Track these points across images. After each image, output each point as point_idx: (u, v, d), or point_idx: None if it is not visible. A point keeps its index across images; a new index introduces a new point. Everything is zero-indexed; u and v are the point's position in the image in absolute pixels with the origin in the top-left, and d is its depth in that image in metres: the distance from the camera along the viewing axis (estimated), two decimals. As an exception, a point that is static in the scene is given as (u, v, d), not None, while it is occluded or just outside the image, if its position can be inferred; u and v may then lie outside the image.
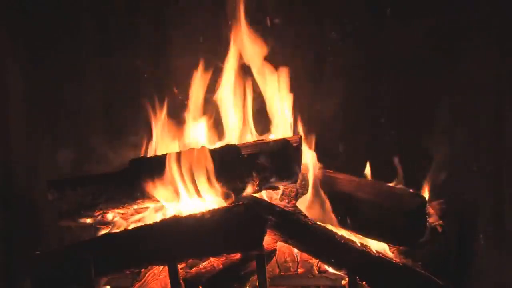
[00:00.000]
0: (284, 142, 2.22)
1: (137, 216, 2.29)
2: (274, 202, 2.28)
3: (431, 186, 2.32)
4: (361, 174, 2.34)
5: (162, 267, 2.12)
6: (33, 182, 2.68)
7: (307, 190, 2.30)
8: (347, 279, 2.08)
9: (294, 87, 2.64)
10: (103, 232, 2.26)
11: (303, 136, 2.34)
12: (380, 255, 2.11)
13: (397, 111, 2.73)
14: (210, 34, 2.70)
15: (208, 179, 2.12)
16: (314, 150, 2.36)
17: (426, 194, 2.31)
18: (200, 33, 2.73)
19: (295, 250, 2.26)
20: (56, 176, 2.31)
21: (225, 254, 2.05)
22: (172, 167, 2.12)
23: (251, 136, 2.50)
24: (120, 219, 2.26)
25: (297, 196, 2.32)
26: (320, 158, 2.34)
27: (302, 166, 2.25)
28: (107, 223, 2.26)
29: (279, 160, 2.18)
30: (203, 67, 2.57)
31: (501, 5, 2.45)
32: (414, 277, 2.05)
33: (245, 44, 2.52)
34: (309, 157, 2.31)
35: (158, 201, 2.18)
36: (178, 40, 2.77)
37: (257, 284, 2.05)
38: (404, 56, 2.69)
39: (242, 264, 2.08)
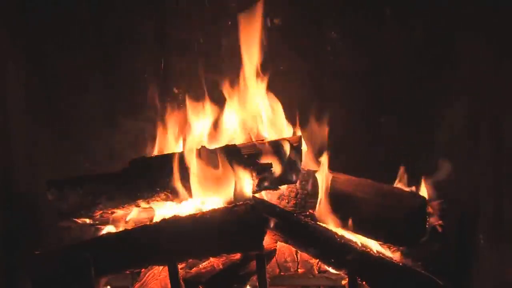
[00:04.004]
0: (284, 143, 2.22)
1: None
2: (274, 202, 2.28)
3: (431, 186, 2.32)
4: (361, 174, 2.34)
5: (162, 267, 2.12)
6: (33, 182, 2.68)
7: (307, 190, 2.30)
8: (347, 279, 2.08)
9: (294, 87, 2.65)
10: (103, 232, 2.26)
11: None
12: (381, 255, 2.11)
13: (397, 111, 2.73)
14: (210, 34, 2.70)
15: (208, 179, 2.12)
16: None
17: (426, 194, 2.31)
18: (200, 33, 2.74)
19: (295, 250, 2.26)
20: (56, 177, 2.31)
21: (225, 254, 2.05)
22: (172, 167, 2.13)
23: (252, 136, 2.50)
24: (120, 219, 2.26)
25: (297, 196, 2.32)
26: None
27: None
28: (107, 223, 2.26)
29: (279, 160, 2.19)
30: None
31: (500, 5, 2.46)
32: (414, 277, 2.05)
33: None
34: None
35: (158, 201, 2.18)
36: (178, 40, 2.77)
37: (257, 284, 2.06)
38: (403, 55, 2.70)
39: (242, 264, 2.08)
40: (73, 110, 2.80)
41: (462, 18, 2.58)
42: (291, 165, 2.22)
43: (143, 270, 2.16)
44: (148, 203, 2.18)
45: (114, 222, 2.25)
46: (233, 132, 2.52)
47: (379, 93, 2.74)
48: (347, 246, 2.09)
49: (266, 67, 2.53)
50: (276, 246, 2.20)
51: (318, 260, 2.19)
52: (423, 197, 2.21)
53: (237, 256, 2.07)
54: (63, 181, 2.17)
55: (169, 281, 2.02)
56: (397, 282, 2.05)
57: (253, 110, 2.53)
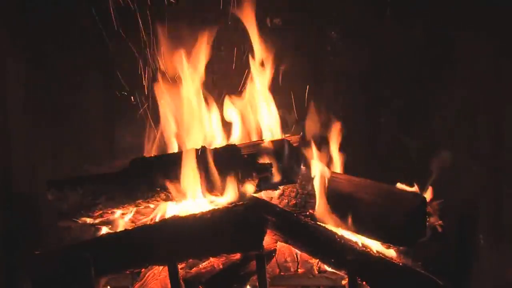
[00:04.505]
0: (284, 142, 2.22)
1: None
2: (274, 202, 2.28)
3: (431, 186, 2.32)
4: (361, 174, 2.34)
5: (162, 267, 2.12)
6: (33, 182, 2.68)
7: (307, 190, 2.30)
8: (347, 279, 2.08)
9: (295, 87, 2.65)
10: (103, 232, 2.26)
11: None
12: (381, 255, 2.11)
13: (397, 111, 2.73)
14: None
15: (208, 179, 2.12)
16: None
17: (426, 194, 2.31)
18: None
19: (295, 250, 2.26)
20: (56, 177, 2.31)
21: (225, 254, 2.05)
22: (172, 167, 2.12)
23: (252, 136, 2.50)
24: (120, 219, 2.26)
25: (297, 196, 2.32)
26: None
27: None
28: (107, 223, 2.26)
29: (279, 160, 2.19)
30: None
31: (500, 4, 2.46)
32: (414, 277, 2.05)
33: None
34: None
35: (158, 201, 2.18)
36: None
37: (257, 284, 2.06)
38: (403, 55, 2.70)
39: (242, 264, 2.08)
40: (73, 110, 2.80)
41: (462, 18, 2.58)
42: (291, 165, 2.22)
43: (143, 270, 2.16)
44: (148, 203, 2.18)
45: (114, 222, 2.25)
46: (233, 132, 2.53)
47: (379, 93, 2.74)
48: (347, 246, 2.09)
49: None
50: (276, 246, 2.20)
51: (318, 260, 2.19)
52: (423, 197, 2.21)
53: (237, 256, 2.07)
54: (63, 181, 2.17)
55: (169, 281, 2.02)
56: (397, 282, 2.05)
57: (253, 110, 2.53)
